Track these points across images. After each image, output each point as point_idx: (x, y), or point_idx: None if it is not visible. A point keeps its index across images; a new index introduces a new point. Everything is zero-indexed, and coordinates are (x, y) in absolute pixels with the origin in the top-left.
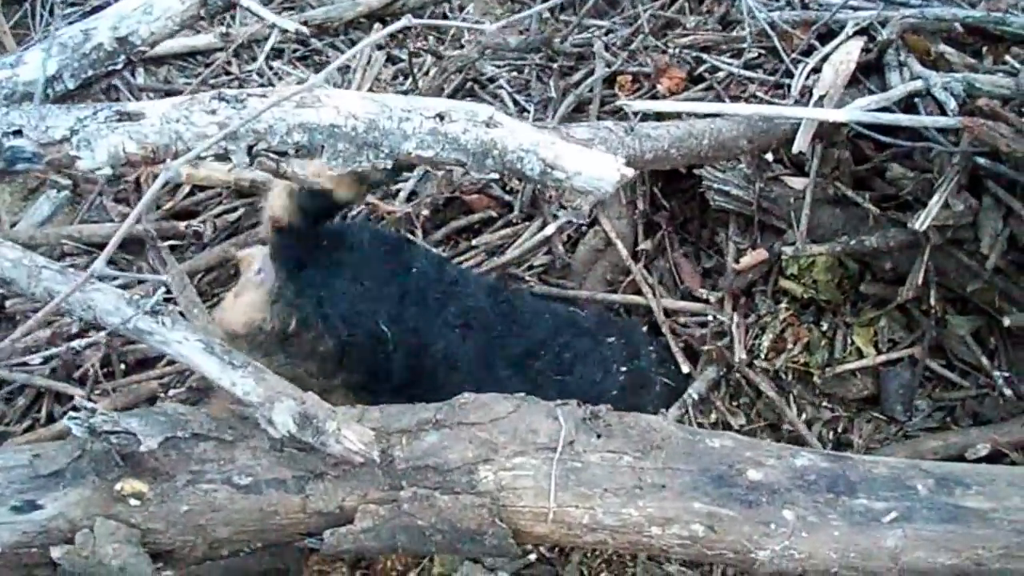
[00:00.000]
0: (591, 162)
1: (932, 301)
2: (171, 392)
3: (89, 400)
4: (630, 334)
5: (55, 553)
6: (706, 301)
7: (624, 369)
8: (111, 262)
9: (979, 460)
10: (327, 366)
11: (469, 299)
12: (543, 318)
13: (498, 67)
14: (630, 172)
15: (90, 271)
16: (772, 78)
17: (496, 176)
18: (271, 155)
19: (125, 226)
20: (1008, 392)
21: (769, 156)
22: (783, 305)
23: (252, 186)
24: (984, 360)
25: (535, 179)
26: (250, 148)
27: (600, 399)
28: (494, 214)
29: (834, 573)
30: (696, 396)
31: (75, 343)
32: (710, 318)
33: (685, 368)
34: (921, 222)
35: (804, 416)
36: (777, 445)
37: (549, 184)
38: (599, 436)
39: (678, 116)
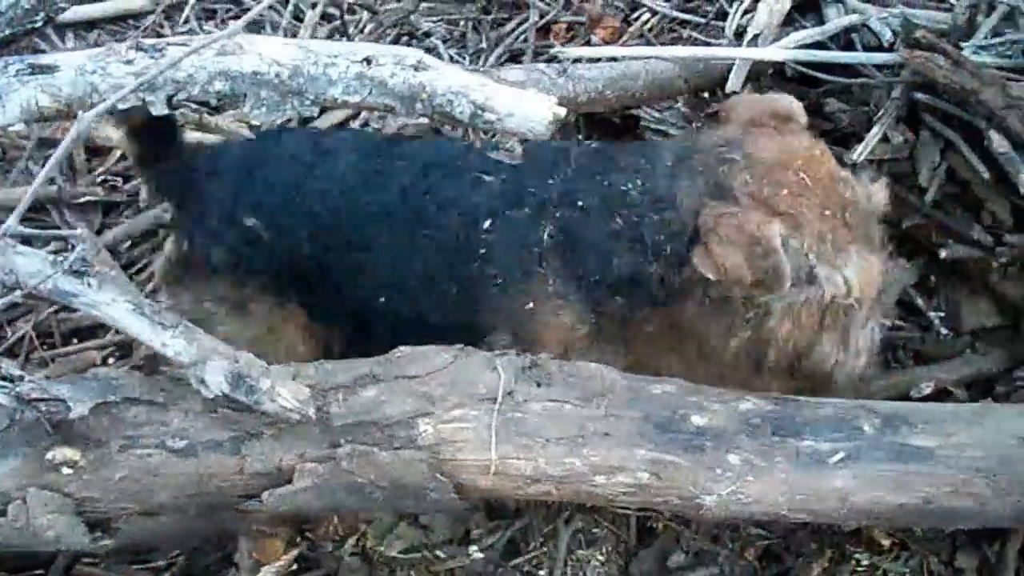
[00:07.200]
0: (523, 103)
1: None
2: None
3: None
4: None
5: None
6: None
7: None
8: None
9: (924, 399)
10: None
11: None
12: None
13: (433, 21)
14: (563, 112)
15: (3, 228)
16: (705, 19)
17: (426, 121)
18: (192, 105)
19: (39, 180)
20: (944, 331)
21: (706, 95)
22: None
23: None
24: (920, 301)
25: (466, 122)
26: (170, 98)
27: None
28: None
29: (783, 516)
30: None
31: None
32: None
33: None
34: (858, 154)
35: None
36: (720, 390)
37: (480, 127)
38: (539, 385)
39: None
